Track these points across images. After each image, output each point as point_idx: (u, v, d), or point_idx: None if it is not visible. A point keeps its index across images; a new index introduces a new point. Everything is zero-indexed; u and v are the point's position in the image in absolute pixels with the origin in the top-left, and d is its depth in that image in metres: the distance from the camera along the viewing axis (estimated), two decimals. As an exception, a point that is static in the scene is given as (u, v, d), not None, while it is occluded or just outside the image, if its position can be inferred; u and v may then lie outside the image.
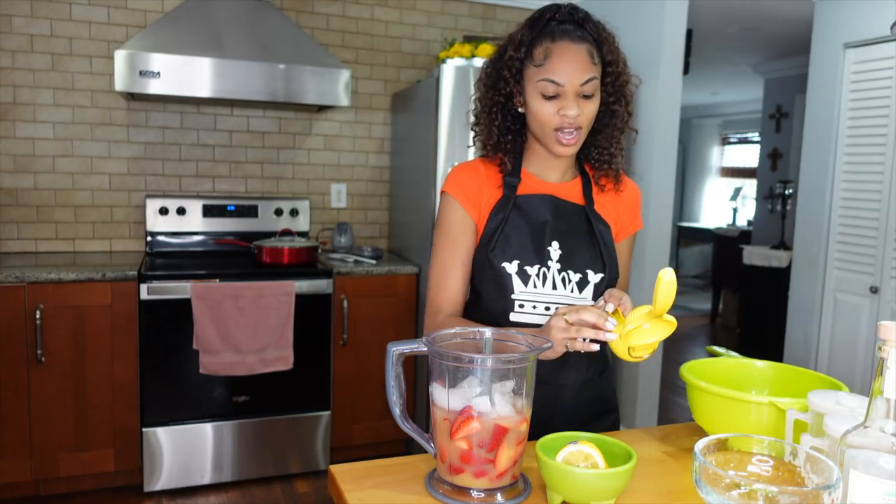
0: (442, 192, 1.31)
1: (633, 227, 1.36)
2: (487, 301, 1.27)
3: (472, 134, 1.34)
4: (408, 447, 3.11)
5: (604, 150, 1.30)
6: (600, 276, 1.26)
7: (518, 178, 1.29)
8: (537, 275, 1.24)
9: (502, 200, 1.27)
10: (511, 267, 1.24)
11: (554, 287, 1.24)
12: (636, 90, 1.34)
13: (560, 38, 1.19)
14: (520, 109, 1.26)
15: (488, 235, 1.26)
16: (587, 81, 1.18)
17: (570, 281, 1.24)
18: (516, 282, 1.24)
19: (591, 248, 1.27)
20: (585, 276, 1.25)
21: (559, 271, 1.24)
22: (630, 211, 1.35)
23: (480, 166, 1.30)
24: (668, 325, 1.02)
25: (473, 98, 1.33)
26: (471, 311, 1.32)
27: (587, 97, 1.20)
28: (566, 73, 1.17)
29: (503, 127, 1.28)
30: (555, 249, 1.25)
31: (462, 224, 1.27)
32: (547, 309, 1.24)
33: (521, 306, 1.24)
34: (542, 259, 1.24)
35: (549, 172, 1.31)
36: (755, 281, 5.28)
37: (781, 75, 5.94)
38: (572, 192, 1.31)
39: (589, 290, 1.25)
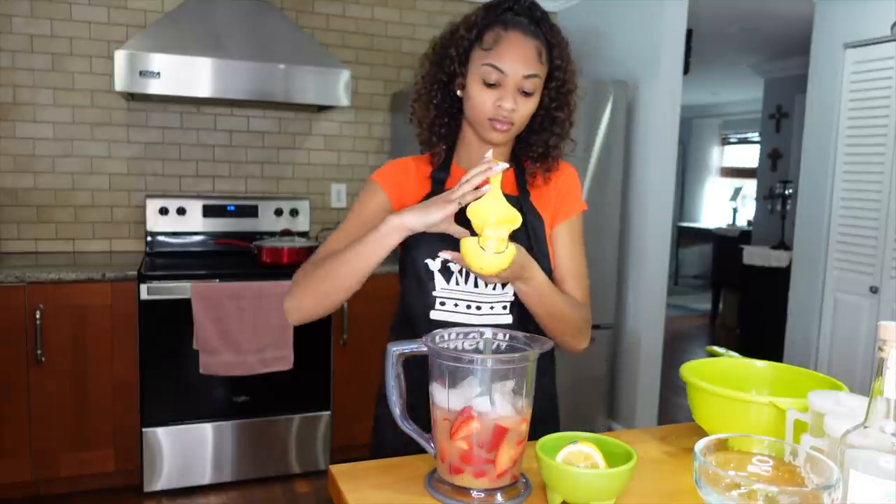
0: (368, 179, 1.28)
1: (571, 210, 1.30)
2: (408, 297, 1.25)
3: (410, 110, 1.30)
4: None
5: (537, 150, 1.27)
6: None
7: (447, 172, 1.26)
8: (460, 271, 1.21)
9: (428, 195, 1.24)
10: (434, 264, 1.21)
11: (476, 285, 1.21)
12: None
13: (513, 27, 1.17)
14: (458, 92, 1.23)
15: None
16: (529, 76, 1.16)
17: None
18: (438, 279, 1.21)
19: (521, 240, 1.21)
20: None
21: None
22: (566, 195, 1.30)
23: (411, 163, 1.29)
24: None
25: (416, 73, 1.30)
26: (397, 309, 1.30)
27: (526, 94, 1.18)
28: (511, 62, 1.15)
29: (441, 108, 1.25)
30: None
31: (377, 211, 1.23)
32: (468, 307, 1.21)
33: (443, 304, 1.21)
34: None
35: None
36: (755, 281, 5.28)
37: (781, 75, 5.94)
38: (505, 182, 1.25)
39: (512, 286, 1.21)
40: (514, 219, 1.03)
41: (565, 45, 1.23)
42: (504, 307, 1.23)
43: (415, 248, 1.22)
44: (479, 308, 1.22)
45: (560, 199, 1.30)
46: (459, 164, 1.28)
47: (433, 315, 1.22)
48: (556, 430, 1.31)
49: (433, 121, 1.25)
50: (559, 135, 1.26)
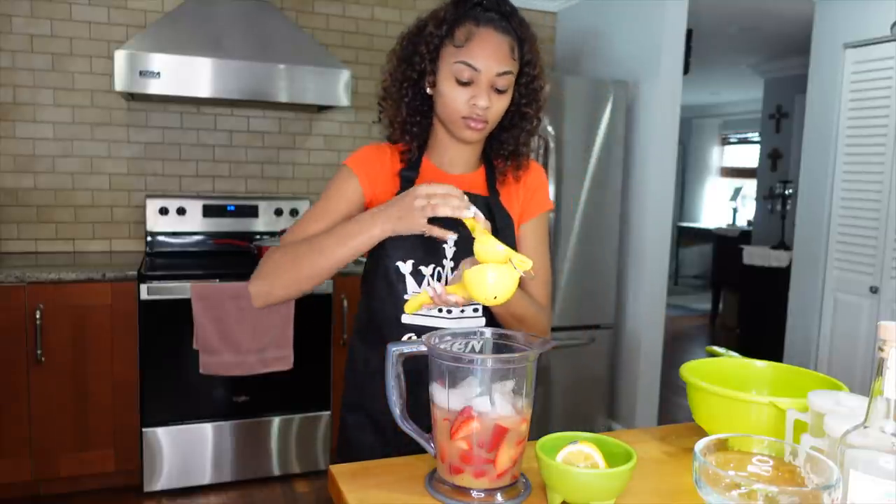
0: (342, 164, 1.25)
1: (538, 208, 1.29)
2: (378, 301, 1.22)
3: (378, 109, 1.28)
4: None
5: (508, 148, 1.25)
6: None
7: (416, 171, 1.23)
8: (432, 274, 1.19)
9: (398, 194, 1.22)
10: (405, 266, 1.18)
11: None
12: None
13: (485, 24, 1.15)
14: (428, 90, 1.20)
15: None
16: (503, 73, 1.14)
17: None
18: (410, 282, 1.18)
19: None
20: None
21: (453, 269, 1.19)
22: (534, 193, 1.29)
23: (387, 150, 1.26)
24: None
25: (384, 70, 1.28)
26: (360, 313, 1.28)
27: (500, 91, 1.16)
28: (485, 59, 1.13)
29: (412, 106, 1.22)
30: (449, 247, 1.19)
31: (351, 198, 1.21)
32: (440, 310, 1.19)
33: None
34: (438, 257, 1.19)
35: (452, 163, 1.25)
36: (755, 281, 5.28)
37: (781, 75, 5.94)
38: (474, 182, 1.25)
39: None
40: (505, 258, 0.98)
41: (534, 39, 1.21)
42: (475, 309, 1.22)
43: (383, 251, 1.19)
44: (450, 311, 1.20)
45: (528, 196, 1.28)
46: (431, 160, 1.26)
47: (405, 319, 1.19)
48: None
49: (405, 119, 1.22)
50: (529, 131, 1.25)
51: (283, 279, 1.15)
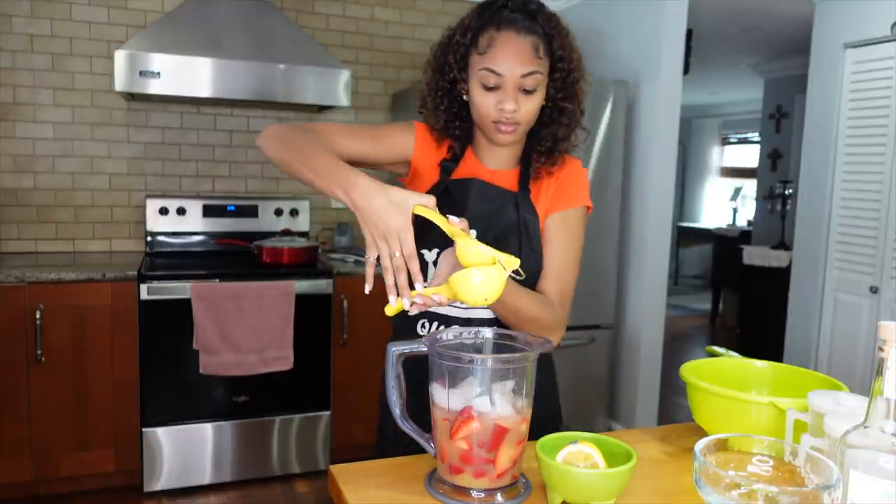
0: (411, 122, 1.28)
1: (566, 204, 1.25)
2: None
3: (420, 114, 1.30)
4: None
5: (546, 143, 1.25)
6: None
7: (456, 162, 1.27)
8: (434, 262, 1.19)
9: (436, 184, 1.25)
10: (430, 255, 1.20)
11: None
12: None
13: (506, 27, 1.15)
14: (464, 97, 1.22)
15: (416, 216, 1.24)
16: (528, 74, 1.14)
17: None
18: (431, 270, 1.18)
19: (512, 236, 1.21)
20: None
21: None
22: (567, 188, 1.27)
23: (444, 142, 1.29)
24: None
25: (423, 80, 1.29)
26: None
27: (528, 92, 1.16)
28: (507, 63, 1.13)
29: (450, 112, 1.24)
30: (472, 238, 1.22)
31: (397, 149, 1.25)
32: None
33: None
34: None
35: (490, 159, 1.28)
36: (755, 281, 5.28)
37: (781, 75, 5.94)
38: (506, 178, 1.27)
39: None
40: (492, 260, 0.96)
41: (566, 33, 1.20)
42: None
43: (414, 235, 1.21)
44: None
45: (559, 191, 1.27)
46: (474, 153, 1.28)
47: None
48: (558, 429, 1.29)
49: (444, 126, 1.25)
50: (568, 125, 1.24)
51: (282, 157, 1.14)
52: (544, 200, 1.27)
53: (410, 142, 1.27)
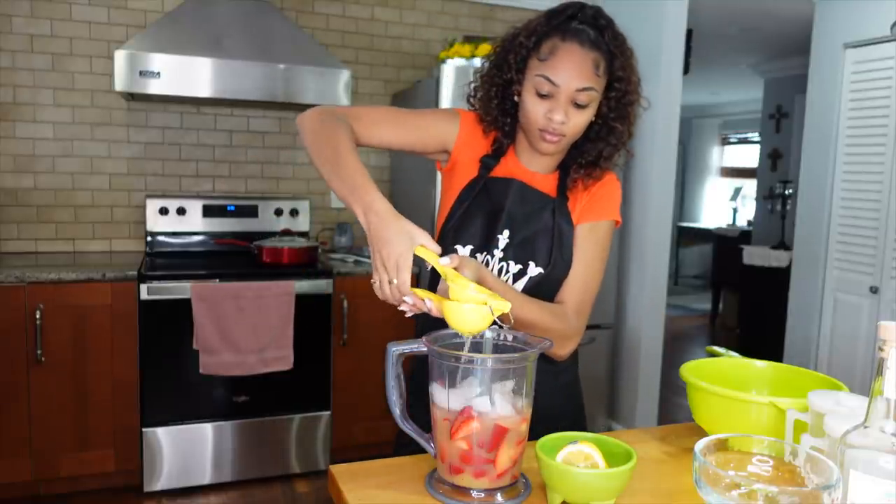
0: (456, 110, 1.29)
1: (595, 216, 1.26)
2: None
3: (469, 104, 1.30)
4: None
5: (587, 158, 1.25)
6: (539, 270, 1.22)
7: (497, 160, 1.27)
8: (482, 262, 1.21)
9: (475, 179, 1.26)
10: (464, 251, 1.22)
11: None
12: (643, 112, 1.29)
13: (571, 38, 1.15)
14: (515, 98, 1.23)
15: (452, 210, 1.25)
16: (583, 89, 1.14)
17: (507, 272, 1.22)
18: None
19: (544, 240, 1.23)
20: (525, 267, 1.22)
21: (501, 260, 1.22)
22: (598, 200, 1.27)
23: (491, 134, 1.29)
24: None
25: (477, 72, 1.30)
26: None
27: (580, 106, 1.16)
28: (565, 74, 1.14)
29: (501, 108, 1.25)
30: (504, 238, 1.22)
31: (439, 138, 1.26)
32: None
33: None
34: (490, 247, 1.22)
35: (531, 161, 1.28)
36: (755, 281, 5.28)
37: (781, 75, 5.95)
38: (544, 182, 1.27)
39: (522, 282, 1.21)
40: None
41: (630, 54, 1.20)
42: None
43: (449, 229, 1.23)
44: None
45: (590, 204, 1.27)
46: (515, 153, 1.29)
47: None
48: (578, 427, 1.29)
49: (494, 118, 1.26)
50: (614, 145, 1.24)
51: (314, 151, 1.14)
52: (577, 209, 1.28)
53: (453, 132, 1.27)
